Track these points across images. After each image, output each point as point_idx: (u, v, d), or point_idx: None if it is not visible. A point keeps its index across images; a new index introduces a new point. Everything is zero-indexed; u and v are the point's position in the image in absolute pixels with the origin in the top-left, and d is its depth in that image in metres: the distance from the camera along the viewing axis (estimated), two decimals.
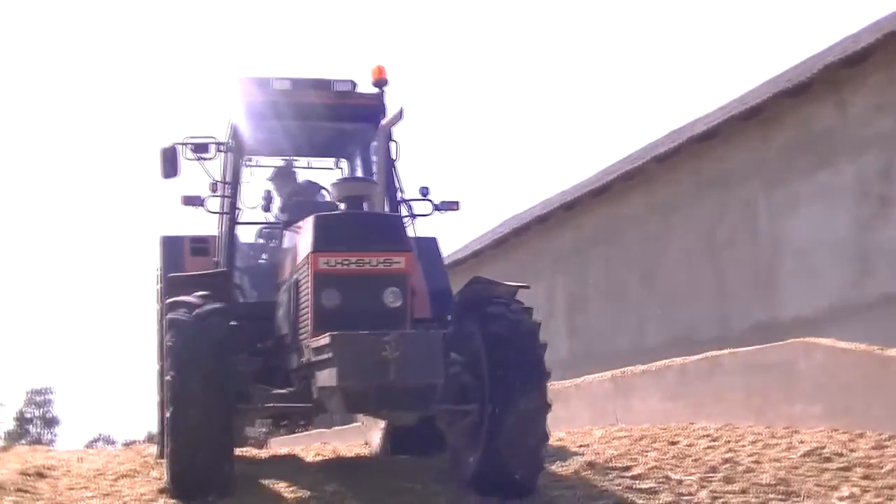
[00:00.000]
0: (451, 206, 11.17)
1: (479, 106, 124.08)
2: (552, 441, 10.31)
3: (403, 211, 10.81)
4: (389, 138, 10.45)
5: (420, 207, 10.98)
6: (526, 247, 22.73)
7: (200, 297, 9.41)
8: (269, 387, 9.79)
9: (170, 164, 10.70)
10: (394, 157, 10.78)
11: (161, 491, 9.69)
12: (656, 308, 19.18)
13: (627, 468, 9.99)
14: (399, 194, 10.89)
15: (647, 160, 18.58)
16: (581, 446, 11.61)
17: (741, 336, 16.55)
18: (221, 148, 11.01)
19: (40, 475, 10.54)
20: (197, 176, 10.84)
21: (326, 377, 8.41)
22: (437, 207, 11.05)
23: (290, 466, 11.16)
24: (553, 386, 15.82)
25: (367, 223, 9.19)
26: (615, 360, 16.43)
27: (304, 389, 9.34)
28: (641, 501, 8.98)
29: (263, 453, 14.44)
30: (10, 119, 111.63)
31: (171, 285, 10.13)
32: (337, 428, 21.21)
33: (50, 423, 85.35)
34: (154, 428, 13.14)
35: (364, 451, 12.86)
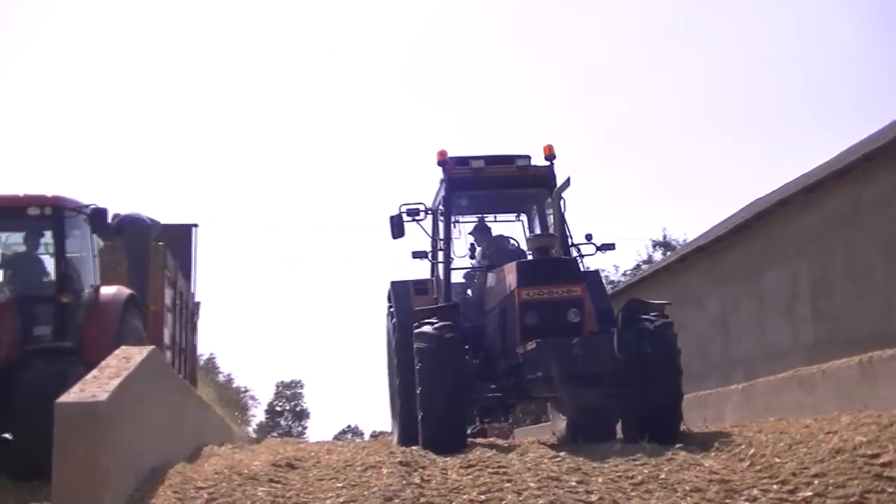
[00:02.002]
0: (609, 247, 15.21)
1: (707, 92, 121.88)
2: (799, 428, 12.19)
3: (575, 252, 14.76)
4: (560, 199, 14.28)
5: (587, 249, 14.97)
6: (767, 231, 22.27)
7: (439, 324, 13.26)
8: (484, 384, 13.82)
9: (397, 228, 15.20)
10: (564, 212, 14.61)
11: (408, 483, 10.00)
12: None
13: (876, 455, 9.63)
14: (570, 240, 14.84)
15: (891, 139, 17.99)
16: (828, 433, 11.27)
17: None
18: (431, 212, 15.38)
19: (291, 466, 10.90)
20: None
21: (534, 371, 12.59)
22: (598, 248, 15.02)
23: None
24: (798, 372, 15.50)
25: (553, 265, 13.53)
26: (861, 345, 15.96)
27: (512, 384, 13.51)
28: (891, 489, 8.61)
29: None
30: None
31: (417, 314, 14.02)
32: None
33: (300, 415, 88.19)
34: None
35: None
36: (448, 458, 11.60)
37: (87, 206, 15.11)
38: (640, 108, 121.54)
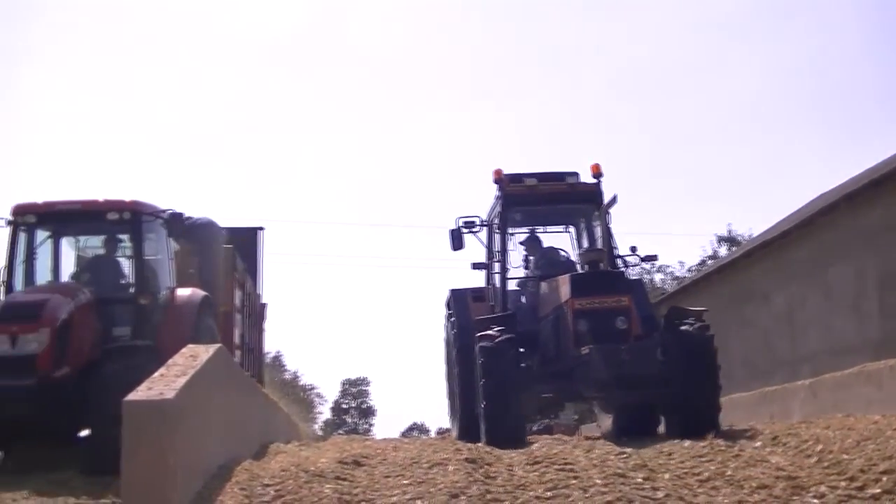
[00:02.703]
0: (652, 258, 16.96)
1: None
2: (867, 425, 12.02)
3: (620, 263, 15.87)
4: (607, 214, 15.54)
5: (631, 259, 16.12)
6: (833, 225, 21.97)
7: (497, 330, 14.36)
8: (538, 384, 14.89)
9: (457, 241, 16.53)
10: (610, 225, 15.73)
11: (473, 480, 9.97)
12: None
13: None
14: (616, 252, 15.90)
15: None
16: None
17: None
18: (486, 224, 16.63)
19: (357, 463, 10.88)
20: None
21: (586, 372, 13.81)
22: (642, 259, 16.48)
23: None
24: (865, 368, 15.33)
25: (603, 278, 14.71)
26: None
27: (565, 385, 14.65)
28: None
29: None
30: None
31: (478, 322, 15.26)
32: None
33: (366, 413, 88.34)
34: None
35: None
36: (514, 455, 11.58)
37: (164, 211, 15.61)
38: (706, 102, 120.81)
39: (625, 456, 10.90)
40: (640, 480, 9.59)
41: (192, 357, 10.71)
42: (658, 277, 49.56)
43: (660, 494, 9.10)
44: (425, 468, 10.55)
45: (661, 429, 15.08)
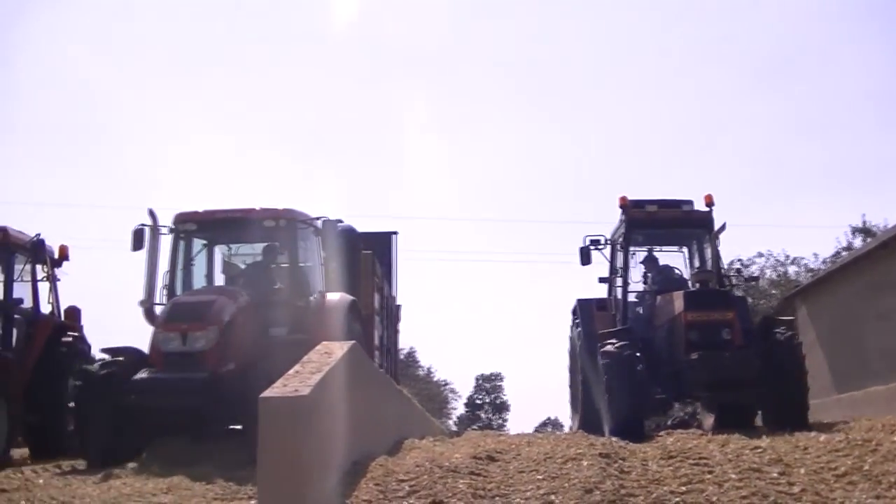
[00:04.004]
0: (754, 279, 25.16)
1: None
2: None
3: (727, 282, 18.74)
4: (717, 240, 18.28)
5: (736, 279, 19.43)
6: None
7: (619, 342, 16.39)
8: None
9: (585, 257, 18.82)
10: (719, 248, 18.64)
11: (608, 475, 9.85)
12: None
13: None
14: (723, 271, 18.83)
15: None
16: None
17: None
18: (610, 243, 18.92)
19: (491, 459, 10.81)
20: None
21: (695, 375, 16.08)
22: (746, 280, 21.49)
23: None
24: None
25: (711, 294, 17.09)
26: None
27: (675, 385, 16.84)
28: None
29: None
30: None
31: (601, 335, 17.14)
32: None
33: (500, 408, 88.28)
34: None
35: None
36: (648, 449, 11.48)
37: (316, 219, 16.54)
38: (837, 91, 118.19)
39: (760, 450, 10.71)
40: (775, 475, 9.42)
41: (327, 354, 10.74)
42: (792, 270, 48.58)
43: (795, 490, 8.91)
44: (559, 463, 10.46)
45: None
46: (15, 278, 16.50)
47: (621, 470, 10.25)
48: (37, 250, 17.03)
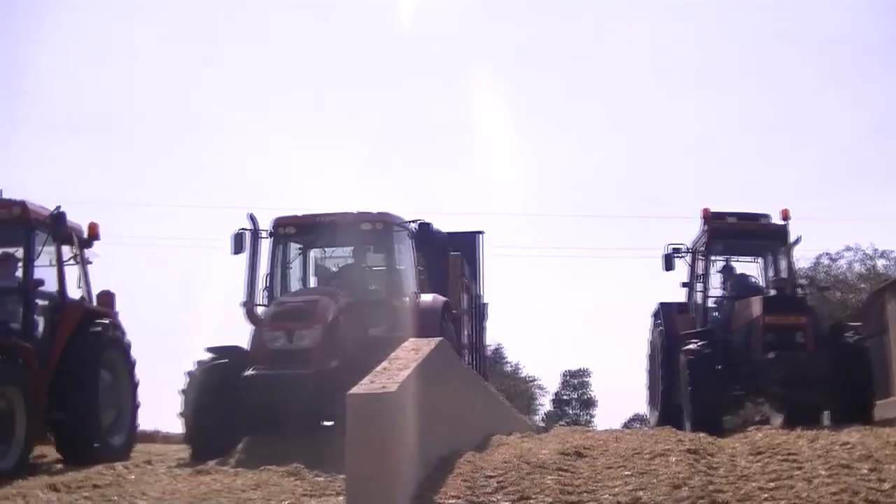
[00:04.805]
0: (825, 288, 26.49)
1: None
2: None
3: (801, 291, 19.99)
4: (791, 251, 19.80)
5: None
6: None
7: (699, 340, 18.01)
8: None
9: (668, 263, 20.24)
10: (792, 259, 20.25)
11: (696, 471, 9.76)
12: None
13: None
14: (797, 280, 20.40)
15: None
16: None
17: None
18: (691, 251, 20.28)
19: (579, 455, 10.73)
20: None
21: (771, 373, 17.41)
22: (818, 289, 24.61)
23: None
24: None
25: (788, 301, 18.33)
26: None
27: (751, 383, 18.06)
28: None
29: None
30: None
31: (683, 336, 18.65)
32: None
33: (587, 404, 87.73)
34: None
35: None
36: (737, 445, 11.37)
37: (411, 222, 16.91)
38: None
39: (849, 446, 10.53)
40: (865, 471, 9.27)
41: (415, 350, 10.76)
42: (881, 263, 47.81)
43: (886, 486, 8.76)
44: (647, 459, 10.37)
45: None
46: (36, 257, 14.74)
47: (709, 466, 10.14)
48: (57, 226, 14.95)
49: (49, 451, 14.92)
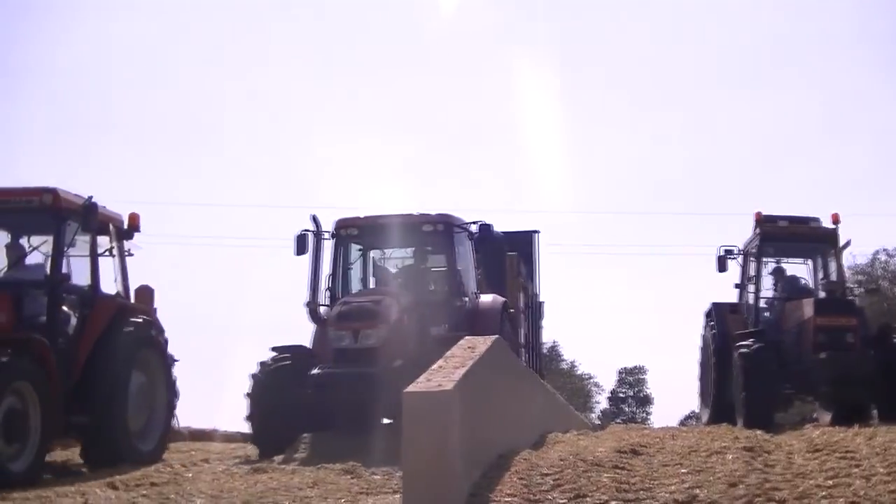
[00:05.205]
0: (874, 291, 26.73)
1: None
2: None
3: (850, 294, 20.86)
4: (841, 255, 20.07)
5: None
6: None
7: (752, 340, 18.31)
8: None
9: (721, 264, 20.61)
10: (842, 263, 20.24)
11: (752, 469, 9.70)
12: None
13: None
14: (846, 284, 21.13)
15: None
16: None
17: None
18: (742, 252, 20.71)
19: (635, 452, 10.71)
20: None
21: (822, 372, 17.92)
22: (866, 292, 24.89)
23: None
24: None
25: (838, 303, 19.00)
26: None
27: (802, 382, 18.54)
28: None
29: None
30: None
31: (736, 335, 18.93)
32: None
33: (643, 401, 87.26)
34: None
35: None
36: (794, 442, 11.29)
37: (472, 223, 17.05)
38: None
39: None
40: None
41: (471, 349, 10.75)
42: None
43: None
44: (704, 456, 10.35)
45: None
46: (66, 248, 13.87)
47: (766, 463, 10.08)
48: (87, 216, 13.80)
49: (74, 455, 14.47)
